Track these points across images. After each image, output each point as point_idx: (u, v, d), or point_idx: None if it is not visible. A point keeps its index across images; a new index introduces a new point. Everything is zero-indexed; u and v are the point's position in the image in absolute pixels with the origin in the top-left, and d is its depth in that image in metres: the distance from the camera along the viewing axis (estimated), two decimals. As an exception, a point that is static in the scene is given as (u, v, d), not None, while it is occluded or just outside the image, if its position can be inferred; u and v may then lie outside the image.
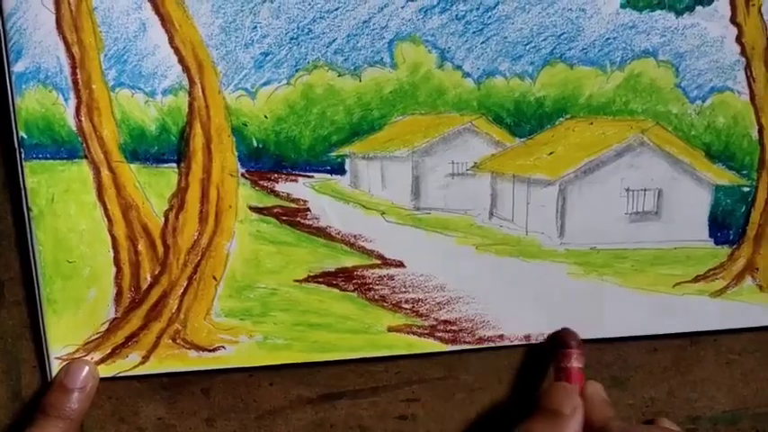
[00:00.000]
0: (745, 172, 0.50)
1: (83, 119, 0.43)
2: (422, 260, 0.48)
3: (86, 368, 0.46)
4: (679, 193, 0.49)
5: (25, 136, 0.43)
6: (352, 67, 0.45)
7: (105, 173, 0.44)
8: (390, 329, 0.48)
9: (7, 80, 0.42)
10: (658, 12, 0.47)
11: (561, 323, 0.50)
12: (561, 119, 0.47)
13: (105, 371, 0.46)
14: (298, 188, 0.46)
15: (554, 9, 0.46)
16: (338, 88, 0.45)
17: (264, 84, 0.44)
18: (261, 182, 0.46)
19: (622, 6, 0.47)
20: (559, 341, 0.48)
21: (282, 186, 0.46)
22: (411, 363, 0.49)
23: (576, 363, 0.47)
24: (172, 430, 0.48)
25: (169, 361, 0.46)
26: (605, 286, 0.50)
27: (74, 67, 0.42)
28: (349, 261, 0.47)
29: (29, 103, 0.42)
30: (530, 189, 0.48)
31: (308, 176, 0.46)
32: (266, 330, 0.47)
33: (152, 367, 0.46)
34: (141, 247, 0.45)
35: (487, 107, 0.47)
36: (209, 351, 0.47)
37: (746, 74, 0.48)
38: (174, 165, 0.45)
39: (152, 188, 0.45)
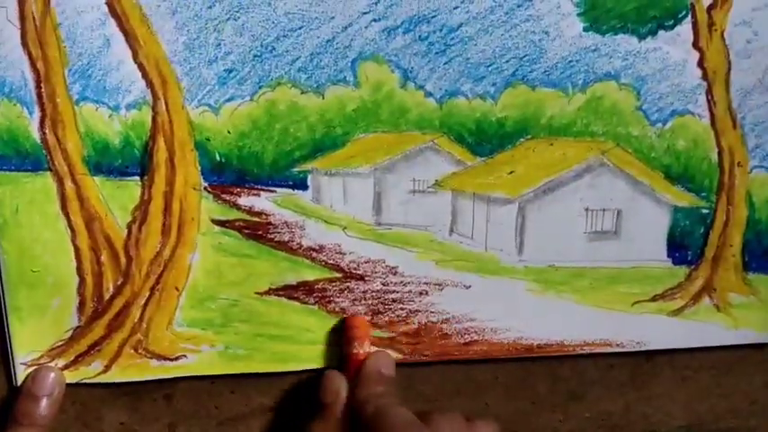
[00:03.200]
0: (704, 194, 0.50)
1: (47, 132, 0.44)
2: (382, 274, 0.49)
3: (52, 374, 0.47)
4: (638, 213, 0.50)
5: (-10, 148, 0.43)
6: (316, 85, 0.46)
7: (69, 185, 0.45)
8: (350, 341, 0.49)
9: (-27, 93, 0.43)
10: (621, 35, 0.48)
11: (519, 338, 0.51)
12: (522, 139, 0.48)
13: (69, 377, 0.47)
14: (260, 202, 0.47)
15: (517, 31, 0.46)
16: (301, 105, 0.46)
17: (228, 100, 0.45)
18: (223, 195, 0.46)
19: (585, 30, 0.47)
20: (344, 329, 0.48)
21: (245, 200, 0.47)
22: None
23: (356, 349, 0.48)
24: (134, 435, 0.50)
25: (131, 370, 0.47)
26: (563, 303, 0.51)
27: (38, 82, 0.43)
28: (310, 275, 0.48)
29: (-7, 116, 0.43)
30: (489, 207, 0.49)
31: (271, 191, 0.47)
32: (227, 340, 0.48)
33: (114, 376, 0.47)
34: (104, 258, 0.46)
35: (449, 126, 0.47)
36: (171, 360, 0.48)
37: (707, 98, 0.49)
38: (138, 178, 0.45)
39: (115, 200, 0.45)
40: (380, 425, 0.43)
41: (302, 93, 0.46)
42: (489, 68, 0.47)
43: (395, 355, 0.50)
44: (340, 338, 0.49)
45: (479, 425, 0.45)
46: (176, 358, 0.48)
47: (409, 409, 0.44)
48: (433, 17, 0.46)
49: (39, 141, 0.44)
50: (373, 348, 0.49)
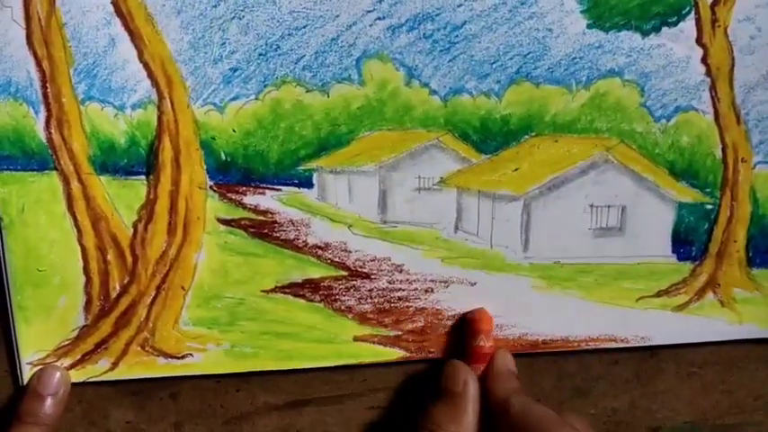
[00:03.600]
0: (708, 190, 0.51)
1: (53, 131, 0.44)
2: (388, 272, 0.49)
3: (58, 374, 0.47)
4: (643, 209, 0.50)
5: (-4, 148, 0.43)
6: (321, 84, 0.46)
7: (75, 184, 0.45)
8: (356, 339, 0.49)
9: (-22, 93, 0.43)
10: (624, 32, 0.48)
11: (524, 334, 0.51)
12: (526, 136, 0.48)
13: (75, 376, 0.47)
14: (265, 201, 0.47)
15: (521, 29, 0.47)
16: (306, 104, 0.46)
17: (233, 99, 0.45)
18: (229, 194, 0.47)
19: (589, 27, 0.47)
20: (468, 322, 0.50)
21: (250, 199, 0.47)
22: (376, 371, 0.51)
23: (482, 342, 0.49)
24: (141, 434, 0.50)
25: (138, 368, 0.48)
26: (568, 299, 0.51)
27: (44, 81, 0.43)
28: (316, 272, 0.48)
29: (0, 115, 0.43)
30: (495, 204, 0.49)
31: (276, 189, 0.47)
32: (233, 339, 0.48)
33: (121, 373, 0.47)
34: (110, 257, 0.46)
35: (454, 124, 0.47)
36: (177, 358, 0.48)
37: (711, 94, 0.49)
38: (143, 177, 0.45)
39: (121, 200, 0.45)
40: (529, 422, 0.44)
41: (307, 91, 0.46)
42: (493, 66, 0.47)
43: (401, 353, 0.50)
44: (458, 330, 0.50)
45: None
46: (182, 357, 0.48)
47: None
48: (437, 15, 0.46)
49: (44, 141, 0.44)
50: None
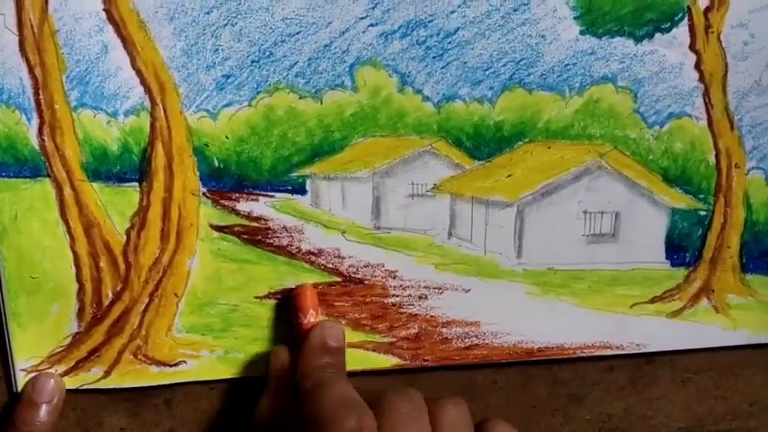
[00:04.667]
0: (701, 196, 0.51)
1: (45, 138, 0.44)
2: (381, 278, 0.49)
3: (52, 381, 0.47)
4: (636, 215, 0.50)
5: (-12, 155, 0.43)
6: (314, 90, 0.46)
7: (68, 191, 0.45)
8: (349, 345, 0.49)
9: (-29, 100, 0.43)
10: (617, 38, 0.48)
11: (519, 341, 0.51)
12: (520, 142, 0.48)
13: (69, 383, 0.47)
14: (259, 207, 0.47)
15: (514, 35, 0.47)
16: (300, 110, 0.46)
17: (226, 105, 0.45)
18: (222, 201, 0.47)
19: (582, 33, 0.47)
20: (290, 300, 0.48)
21: (243, 205, 0.47)
22: (370, 378, 0.50)
23: (300, 319, 0.47)
24: (134, 441, 0.50)
25: (130, 376, 0.47)
26: (563, 306, 0.51)
27: (36, 88, 0.43)
28: (309, 279, 0.48)
29: (-8, 123, 0.43)
30: (488, 210, 0.49)
31: (269, 196, 0.47)
32: (227, 345, 0.48)
33: (114, 382, 0.47)
34: (103, 264, 0.46)
35: (447, 130, 0.47)
36: (171, 366, 0.48)
37: (704, 100, 0.49)
38: (136, 184, 0.45)
39: (114, 207, 0.45)
40: (315, 401, 0.40)
41: (300, 98, 0.46)
42: (486, 72, 0.47)
43: (395, 360, 0.50)
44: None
45: (445, 403, 0.41)
46: (176, 364, 0.48)
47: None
48: (429, 21, 0.46)
49: (37, 148, 0.44)
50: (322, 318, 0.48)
